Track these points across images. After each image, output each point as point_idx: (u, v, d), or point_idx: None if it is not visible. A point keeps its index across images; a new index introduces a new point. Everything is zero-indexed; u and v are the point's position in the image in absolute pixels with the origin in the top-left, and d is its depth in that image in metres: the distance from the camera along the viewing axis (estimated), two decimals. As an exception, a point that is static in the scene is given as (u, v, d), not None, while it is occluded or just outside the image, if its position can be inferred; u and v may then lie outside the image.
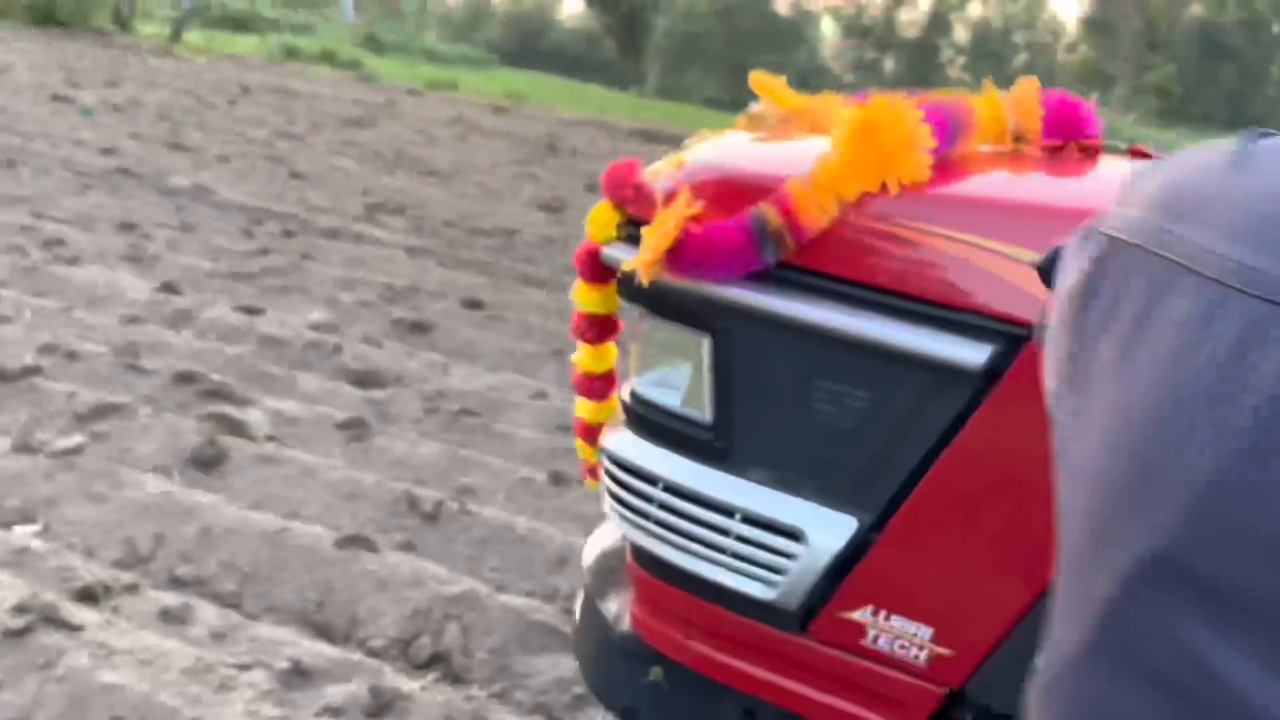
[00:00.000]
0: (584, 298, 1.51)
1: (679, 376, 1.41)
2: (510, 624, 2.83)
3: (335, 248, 6.63)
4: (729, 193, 1.33)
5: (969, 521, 1.27)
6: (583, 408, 1.60)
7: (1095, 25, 30.55)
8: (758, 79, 1.65)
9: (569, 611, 2.92)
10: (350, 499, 3.46)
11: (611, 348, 1.56)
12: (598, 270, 1.48)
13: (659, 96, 24.84)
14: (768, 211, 1.26)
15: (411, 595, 2.90)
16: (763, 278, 1.29)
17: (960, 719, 1.34)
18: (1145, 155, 1.47)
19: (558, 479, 3.72)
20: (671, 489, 1.38)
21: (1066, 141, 1.43)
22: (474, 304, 5.80)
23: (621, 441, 1.46)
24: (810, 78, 29.64)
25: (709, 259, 1.29)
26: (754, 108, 1.67)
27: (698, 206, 1.30)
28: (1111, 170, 1.41)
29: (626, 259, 1.38)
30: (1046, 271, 0.94)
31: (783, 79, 1.68)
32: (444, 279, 6.29)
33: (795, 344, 1.31)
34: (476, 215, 8.23)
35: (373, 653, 2.74)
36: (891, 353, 1.26)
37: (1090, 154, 1.42)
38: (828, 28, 31.90)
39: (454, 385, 4.59)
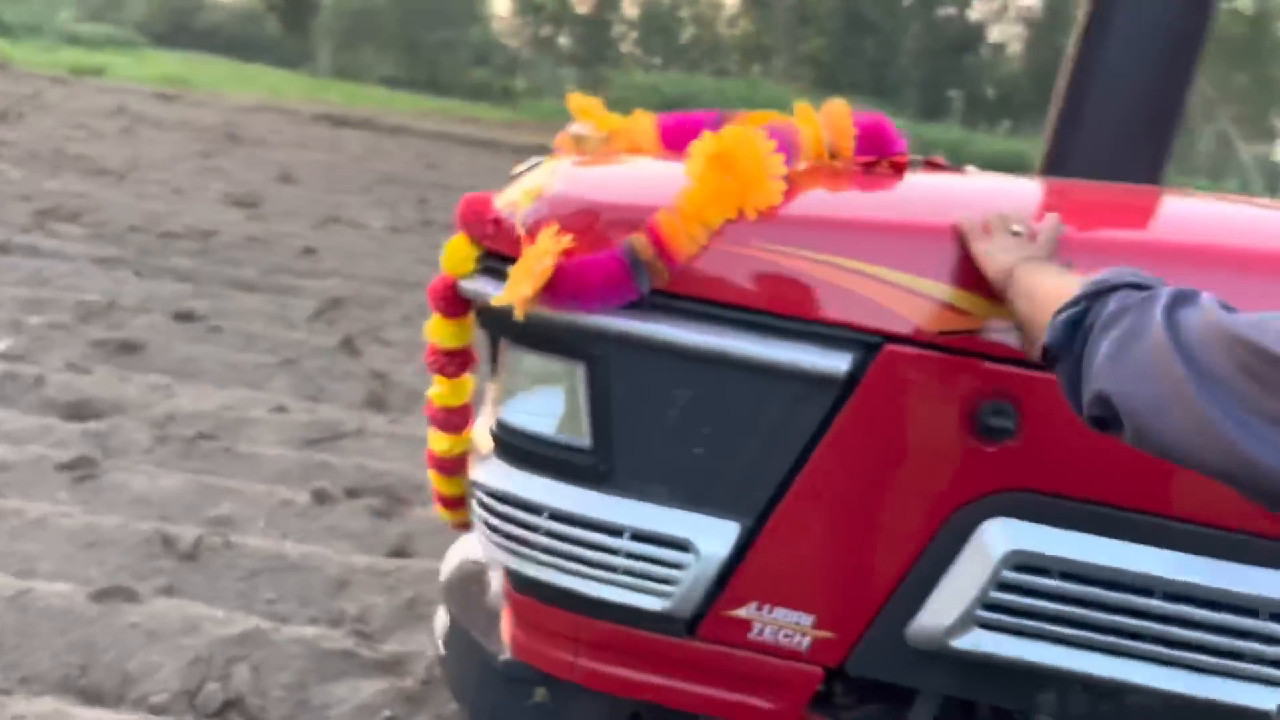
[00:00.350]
0: (440, 332, 1.49)
1: (551, 404, 1.43)
2: (301, 656, 2.72)
3: (7, 264, 5.91)
4: (596, 225, 1.36)
5: (840, 513, 1.39)
6: (438, 441, 1.57)
7: (752, 1, 32.60)
8: (576, 102, 1.69)
9: (363, 635, 2.85)
10: (93, 547, 3.16)
11: (469, 380, 1.55)
12: (455, 304, 1.46)
13: (334, 77, 23.83)
14: (640, 243, 1.31)
15: (187, 642, 2.71)
16: (635, 305, 1.34)
17: (838, 692, 1.47)
18: (940, 166, 1.65)
19: (321, 497, 3.58)
20: (557, 516, 1.41)
21: (878, 158, 1.58)
22: (185, 316, 5.38)
23: (496, 473, 1.46)
24: (487, 54, 29.53)
25: (585, 291, 1.32)
26: (575, 129, 1.70)
27: (567, 240, 1.32)
28: (921, 183, 1.58)
29: (488, 293, 1.38)
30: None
31: (597, 100, 1.72)
32: (144, 291, 5.78)
33: (670, 365, 1.37)
34: (164, 217, 7.59)
35: (157, 710, 2.55)
36: (762, 367, 1.36)
37: (899, 169, 1.58)
38: (501, 4, 31.91)
39: (183, 408, 4.27)
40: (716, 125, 1.69)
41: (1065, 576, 1.35)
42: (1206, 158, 40.51)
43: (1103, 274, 1.09)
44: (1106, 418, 1.01)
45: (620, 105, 1.77)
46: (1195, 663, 1.35)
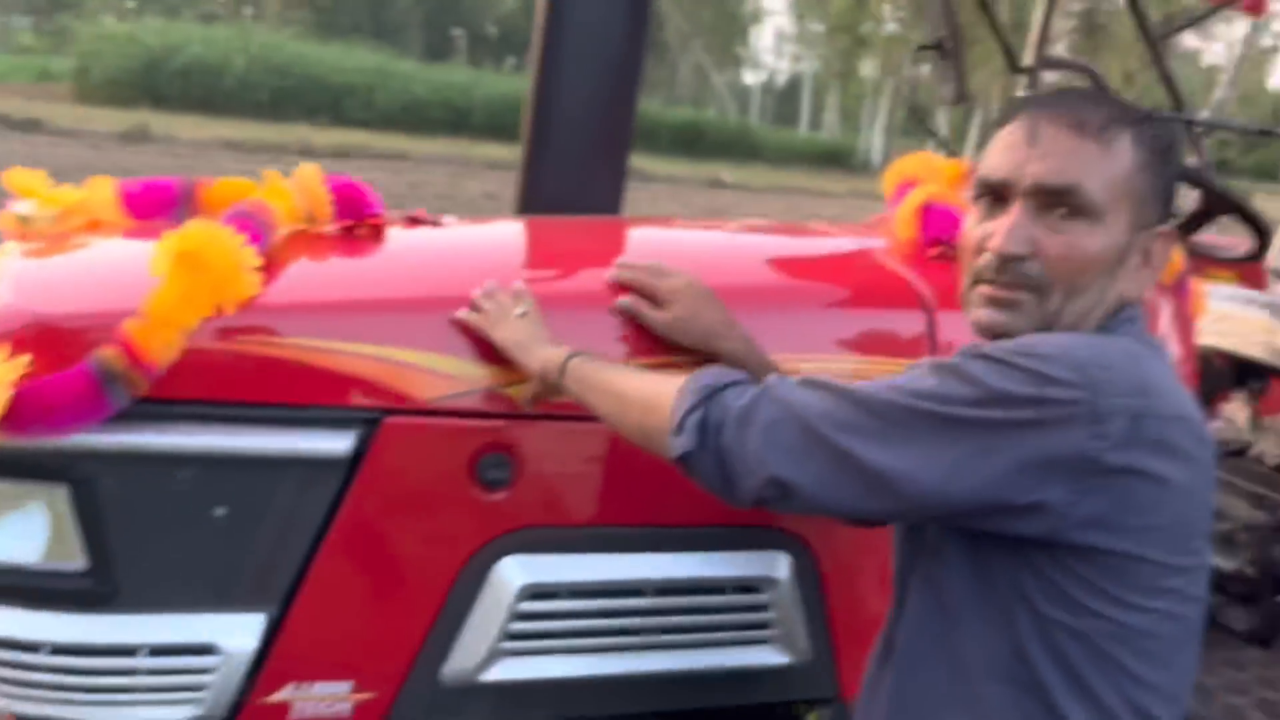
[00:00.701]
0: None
1: (29, 531, 1.33)
2: None
3: None
4: (57, 340, 1.27)
5: (363, 582, 1.44)
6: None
7: (232, -60, 30.38)
8: (15, 179, 1.53)
9: None
10: None
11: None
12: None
13: None
14: (109, 355, 1.24)
15: None
16: (116, 417, 1.27)
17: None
18: (420, 221, 1.72)
19: None
20: (61, 649, 1.32)
21: (356, 222, 1.61)
22: None
23: (-21, 616, 1.33)
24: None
25: (53, 414, 1.23)
26: (18, 209, 1.55)
27: (25, 361, 1.22)
28: (402, 247, 1.63)
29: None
30: None
31: (41, 173, 1.58)
32: None
33: (165, 472, 1.32)
34: None
35: None
36: (262, 460, 1.36)
37: (378, 231, 1.62)
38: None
39: None
40: (184, 193, 1.62)
41: (572, 595, 1.52)
42: (686, 87, 44.92)
43: (702, 378, 1.20)
44: (772, 496, 1.13)
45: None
46: (691, 641, 1.59)
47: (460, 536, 1.47)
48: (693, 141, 31.26)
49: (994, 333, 1.16)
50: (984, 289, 1.16)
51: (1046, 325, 1.14)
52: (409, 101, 26.44)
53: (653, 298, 1.51)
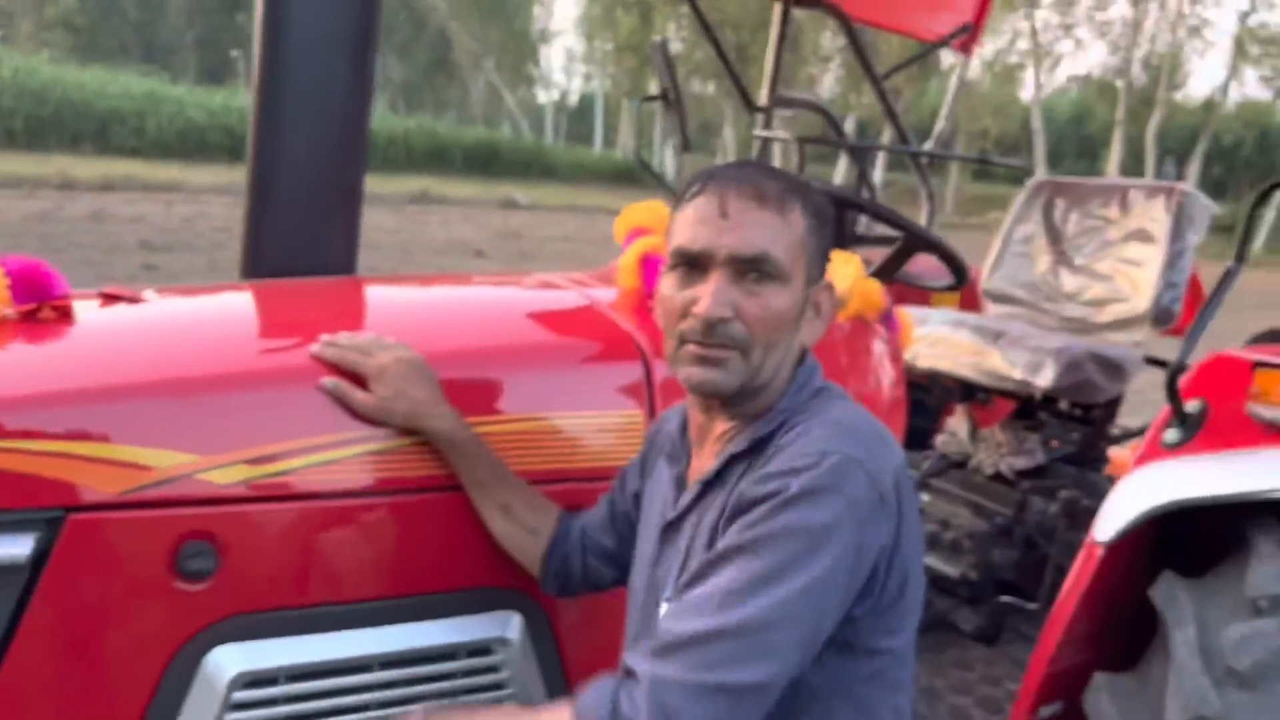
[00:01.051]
0: None
1: None
2: None
3: None
4: None
5: (59, 686, 1.36)
6: None
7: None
8: None
9: None
10: None
11: None
12: None
13: None
14: None
15: None
16: None
17: None
18: (119, 299, 1.63)
19: None
20: None
21: (40, 304, 1.51)
22: None
23: None
24: None
25: None
26: None
27: None
28: (92, 330, 1.55)
29: None
30: None
31: None
32: None
33: None
34: None
35: None
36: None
37: (65, 314, 1.53)
38: None
39: None
40: None
41: (293, 679, 1.48)
42: (480, 106, 44.76)
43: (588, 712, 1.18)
44: None
45: None
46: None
47: (164, 631, 1.40)
48: (487, 161, 31.19)
49: (705, 390, 1.28)
50: (692, 349, 1.26)
51: (750, 379, 1.26)
52: (183, 128, 25.17)
53: (359, 376, 1.50)
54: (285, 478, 1.45)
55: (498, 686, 1.64)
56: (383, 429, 1.51)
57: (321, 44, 2.04)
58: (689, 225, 1.27)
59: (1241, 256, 2.04)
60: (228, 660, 1.43)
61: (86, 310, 1.59)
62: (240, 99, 26.90)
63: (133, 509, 1.36)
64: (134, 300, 1.65)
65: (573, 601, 1.70)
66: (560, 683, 1.70)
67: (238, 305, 1.80)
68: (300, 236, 2.11)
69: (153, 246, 11.73)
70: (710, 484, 1.32)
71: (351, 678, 1.52)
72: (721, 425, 1.34)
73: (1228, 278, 2.03)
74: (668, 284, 1.30)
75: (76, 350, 1.49)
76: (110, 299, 1.64)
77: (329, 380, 1.48)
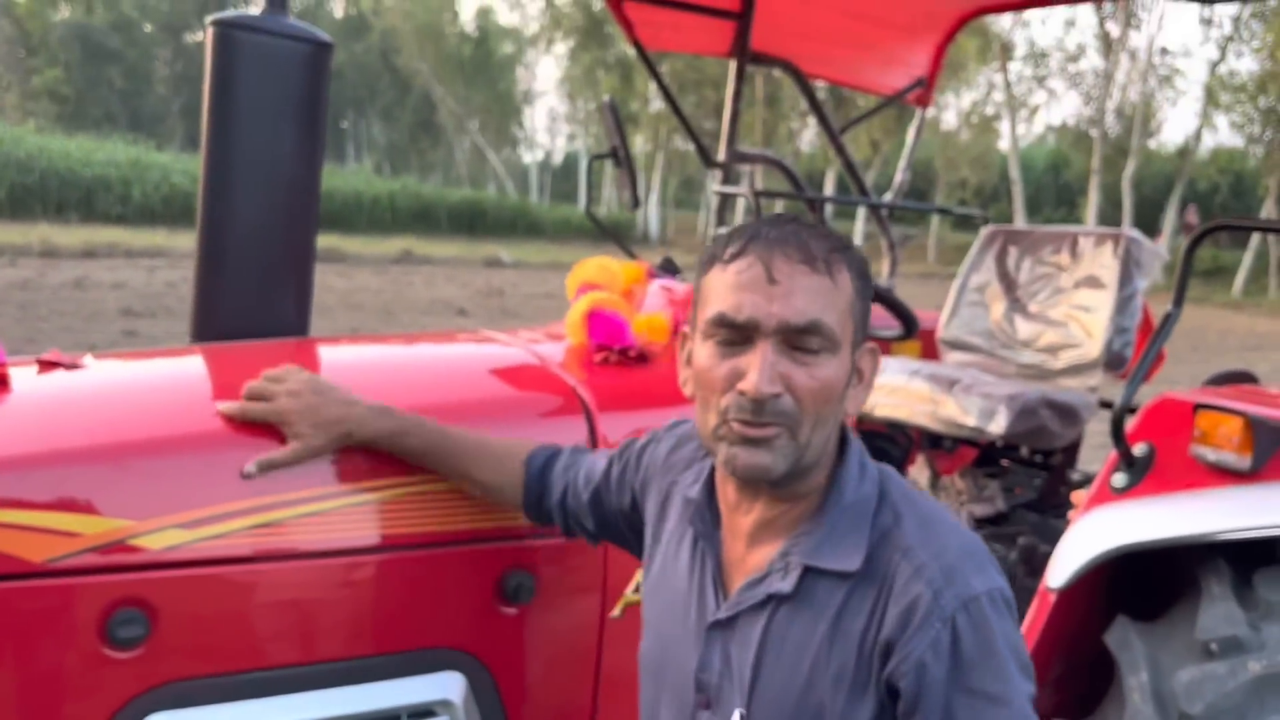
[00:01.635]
0: None
1: None
2: None
3: None
4: None
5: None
6: None
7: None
8: None
9: None
10: None
11: None
12: None
13: None
14: None
15: None
16: None
17: None
18: (58, 365, 1.63)
19: None
20: None
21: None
22: None
23: None
24: None
25: None
26: None
27: None
28: (28, 392, 1.55)
29: None
30: None
31: None
32: None
33: None
34: None
35: None
36: None
37: (0, 382, 1.53)
38: None
39: None
40: None
41: (226, 746, 1.46)
42: (465, 167, 45.20)
43: None
44: None
45: None
46: None
47: (95, 700, 1.39)
48: (472, 221, 31.40)
49: (752, 476, 1.17)
50: (737, 428, 1.15)
51: (799, 459, 1.16)
52: (168, 194, 25.30)
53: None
54: (219, 541, 1.45)
55: (442, 749, 1.62)
56: (317, 490, 1.51)
57: (269, 108, 2.06)
58: (731, 291, 1.16)
59: (1179, 300, 2.06)
60: (161, 728, 1.42)
61: (23, 378, 1.59)
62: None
63: (60, 576, 1.36)
64: (72, 367, 1.65)
65: (518, 660, 1.69)
66: (505, 744, 1.69)
67: (177, 370, 1.80)
68: (250, 300, 2.12)
69: (134, 312, 11.73)
70: (787, 599, 1.19)
71: (286, 745, 1.51)
72: (765, 511, 1.23)
73: (1167, 321, 2.05)
74: (705, 354, 1.19)
75: (7, 418, 1.49)
76: (48, 366, 1.64)
77: (250, 466, 1.48)
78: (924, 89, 3.70)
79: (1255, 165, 30.79)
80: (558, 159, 53.79)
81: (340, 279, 16.66)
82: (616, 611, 1.78)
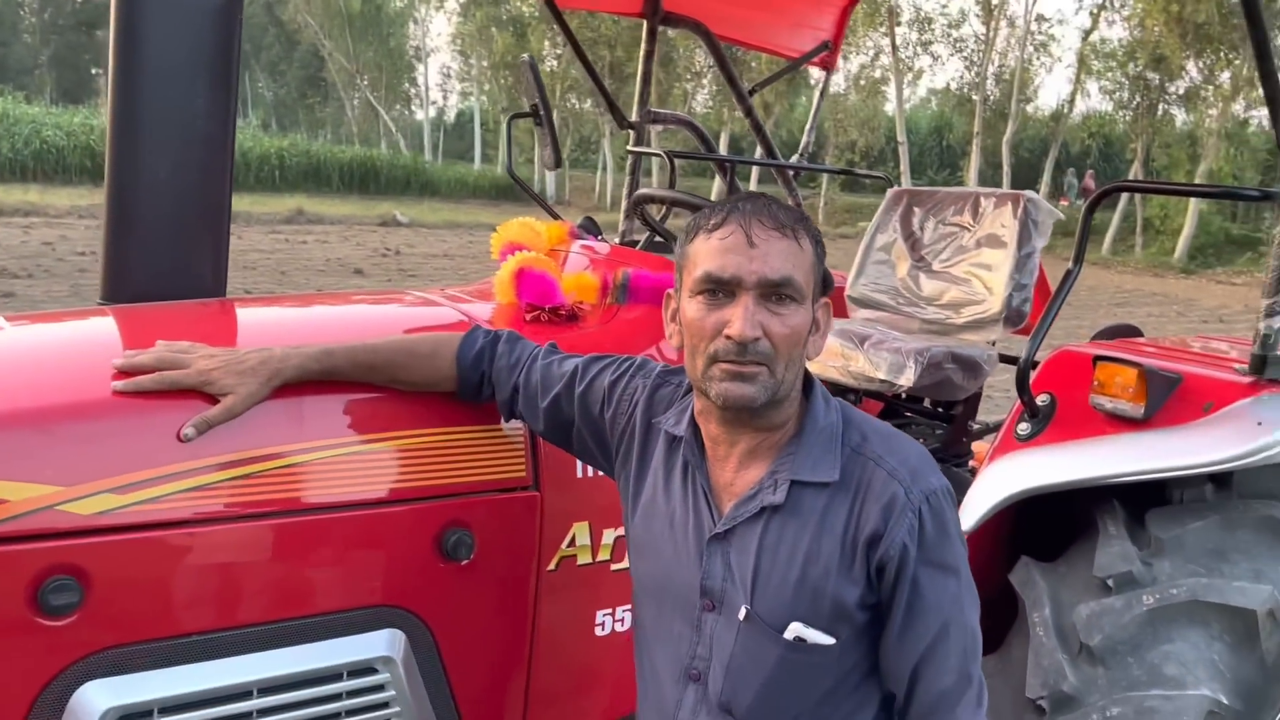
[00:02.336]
0: None
1: None
2: None
3: None
4: None
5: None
6: None
7: None
8: None
9: None
10: None
11: None
12: None
13: None
14: None
15: None
16: None
17: None
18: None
19: None
20: None
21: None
22: None
23: None
24: None
25: None
26: None
27: None
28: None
29: None
30: None
31: None
32: None
33: None
34: None
35: None
36: None
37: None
38: None
39: None
40: None
41: (168, 712, 1.45)
42: (356, 125, 43.97)
43: None
44: None
45: None
46: None
47: (28, 669, 1.36)
48: (365, 180, 30.63)
49: (740, 403, 1.37)
50: (726, 367, 1.36)
51: (775, 390, 1.38)
52: (39, 149, 24.00)
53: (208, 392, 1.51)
54: (153, 505, 1.43)
55: (383, 706, 1.64)
56: (252, 451, 1.49)
57: (180, 62, 2.00)
58: (716, 254, 1.37)
59: (1079, 259, 2.18)
60: (98, 696, 1.40)
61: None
62: (102, 118, 25.83)
63: (-9, 544, 1.32)
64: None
65: (457, 616, 1.71)
66: (447, 700, 1.71)
67: (97, 331, 1.75)
68: (164, 260, 2.06)
69: (9, 274, 11.15)
70: (778, 509, 1.40)
71: (231, 706, 1.50)
72: (749, 441, 1.44)
73: (1067, 279, 2.16)
74: (693, 308, 1.39)
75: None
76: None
77: (187, 429, 1.47)
78: (829, 52, 3.77)
79: (1123, 130, 32.07)
80: (451, 117, 52.80)
81: (231, 238, 16.11)
82: (552, 565, 1.82)
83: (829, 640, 1.38)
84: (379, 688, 1.63)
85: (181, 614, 1.47)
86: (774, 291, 1.36)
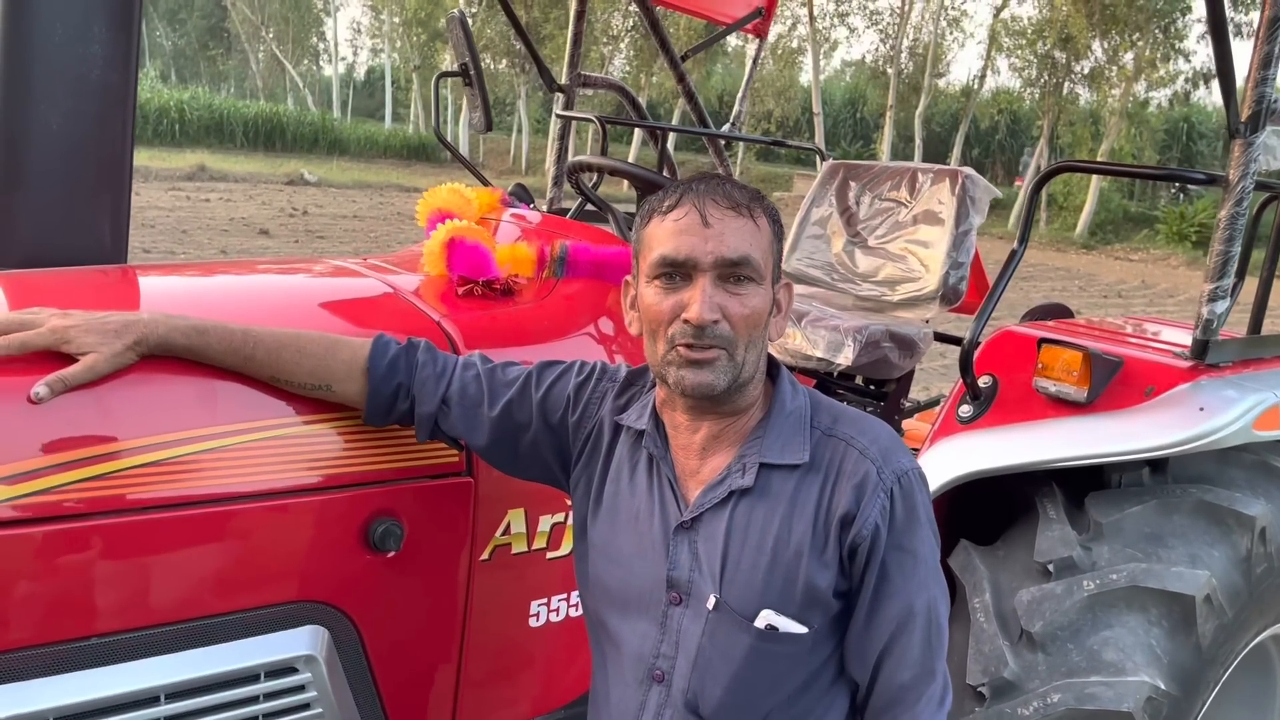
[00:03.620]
0: None
1: None
2: None
3: None
4: None
5: None
6: None
7: None
8: None
9: None
10: None
11: None
12: None
13: None
14: None
15: None
16: None
17: None
18: None
19: None
20: None
21: None
22: None
23: None
24: None
25: None
26: None
27: None
28: None
29: None
30: None
31: None
32: None
33: None
34: None
35: None
36: None
37: None
38: None
39: None
40: None
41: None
42: (261, 79, 42.50)
43: None
44: None
45: None
46: None
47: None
48: (270, 136, 29.67)
49: (700, 392, 1.32)
50: (683, 352, 1.31)
51: (736, 375, 1.32)
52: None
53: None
54: (45, 497, 1.28)
55: (304, 708, 1.53)
56: (157, 437, 1.36)
57: (75, 3, 1.82)
58: (671, 236, 1.31)
59: (1024, 239, 2.15)
60: (-16, 706, 1.26)
61: None
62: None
63: None
64: None
65: (385, 611, 1.60)
66: (373, 699, 1.61)
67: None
68: (58, 220, 1.89)
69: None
70: (747, 492, 1.35)
71: (135, 714, 1.38)
72: (713, 427, 1.39)
73: (1012, 259, 2.13)
74: (651, 293, 1.34)
75: None
76: None
77: (38, 388, 1.30)
78: (762, 19, 3.69)
79: (1030, 107, 32.78)
80: (361, 74, 51.39)
81: (131, 197, 15.43)
82: (486, 555, 1.72)
83: (801, 629, 1.32)
84: (299, 688, 1.52)
85: (79, 615, 1.33)
86: (732, 272, 1.31)
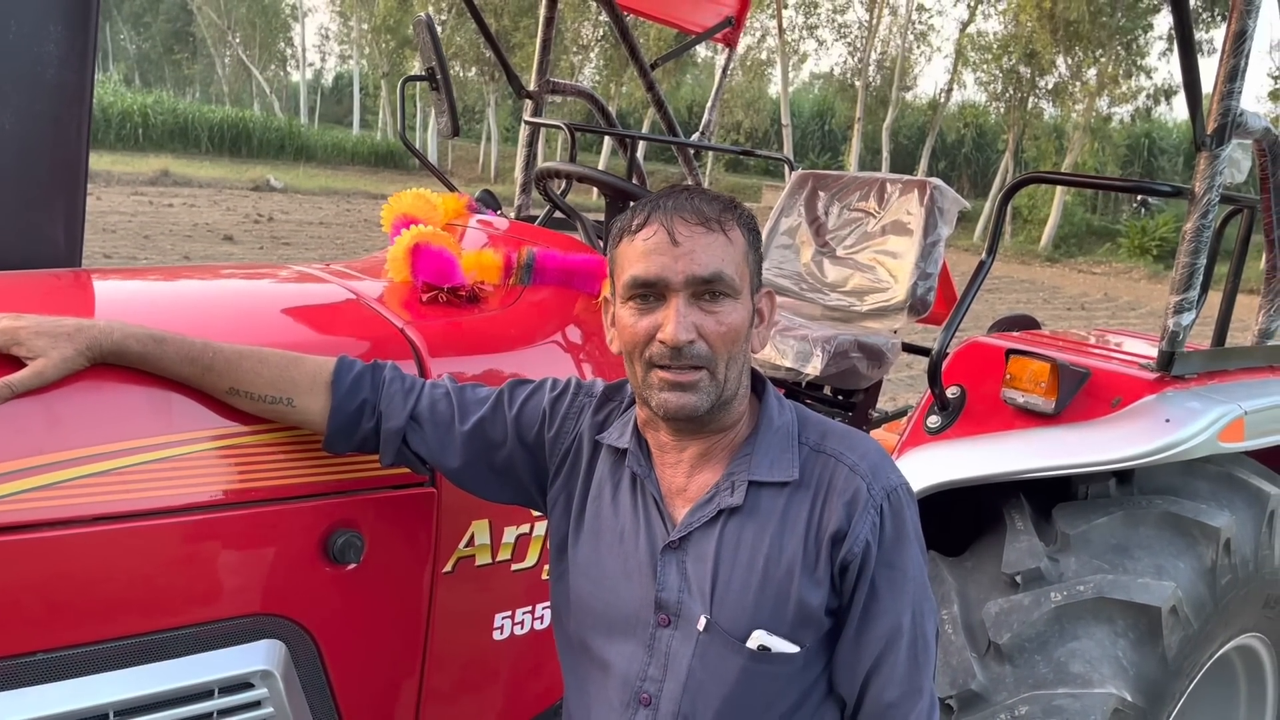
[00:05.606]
0: None
1: None
2: None
3: None
4: None
5: None
6: None
7: None
8: None
9: None
10: None
11: None
12: None
13: None
14: None
15: None
16: None
17: None
18: None
19: None
20: None
21: None
22: None
23: None
24: None
25: None
26: None
27: None
28: None
29: None
30: None
31: None
32: None
33: None
34: None
35: None
36: None
37: None
38: None
39: None
40: None
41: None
42: (227, 84, 42.12)
43: None
44: None
45: None
46: None
47: None
48: (236, 142, 29.39)
49: (682, 415, 1.30)
50: (663, 374, 1.29)
51: (719, 394, 1.30)
52: None
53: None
54: (-9, 508, 1.24)
55: (261, 724, 1.49)
56: (97, 448, 1.32)
57: (31, 1, 1.78)
58: (641, 257, 1.29)
59: (993, 249, 2.15)
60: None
61: None
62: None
63: None
64: None
65: (345, 624, 1.57)
66: (332, 716, 1.57)
67: None
68: (10, 223, 1.84)
69: None
70: (736, 510, 1.32)
71: (84, 730, 1.33)
72: (701, 445, 1.36)
73: (981, 269, 2.13)
74: (626, 315, 1.32)
75: None
76: None
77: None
78: (732, 28, 3.69)
79: (996, 121, 33.14)
80: (329, 80, 51.06)
81: (88, 199, 15.23)
82: (449, 567, 1.68)
83: (793, 649, 1.30)
84: (255, 704, 1.48)
85: (23, 630, 1.28)
86: (705, 289, 1.28)
